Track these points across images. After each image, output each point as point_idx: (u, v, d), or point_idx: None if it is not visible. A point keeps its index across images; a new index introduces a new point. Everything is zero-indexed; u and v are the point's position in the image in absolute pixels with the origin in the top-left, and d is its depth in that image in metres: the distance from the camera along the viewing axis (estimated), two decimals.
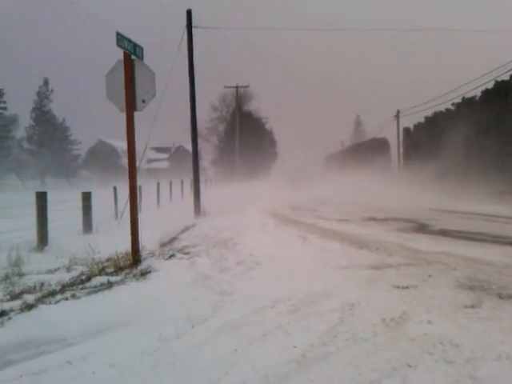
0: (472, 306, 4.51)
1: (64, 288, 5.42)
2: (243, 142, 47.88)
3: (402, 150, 37.35)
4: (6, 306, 4.61)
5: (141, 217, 7.64)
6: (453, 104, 26.61)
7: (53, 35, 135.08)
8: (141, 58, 7.32)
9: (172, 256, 7.63)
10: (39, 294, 5.12)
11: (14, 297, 5.04)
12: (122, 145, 64.58)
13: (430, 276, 5.81)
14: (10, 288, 5.48)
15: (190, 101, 17.01)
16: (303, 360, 3.33)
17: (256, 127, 55.57)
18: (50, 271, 6.57)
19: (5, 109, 58.75)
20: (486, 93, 22.98)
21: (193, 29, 16.91)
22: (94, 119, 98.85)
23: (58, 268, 6.74)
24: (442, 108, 28.18)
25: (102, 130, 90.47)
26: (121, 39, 6.86)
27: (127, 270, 6.44)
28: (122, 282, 5.75)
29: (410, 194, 23.00)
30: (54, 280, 5.84)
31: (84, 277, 6.02)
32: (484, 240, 8.88)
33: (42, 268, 6.74)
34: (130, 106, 7.08)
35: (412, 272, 6.10)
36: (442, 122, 27.24)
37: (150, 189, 20.30)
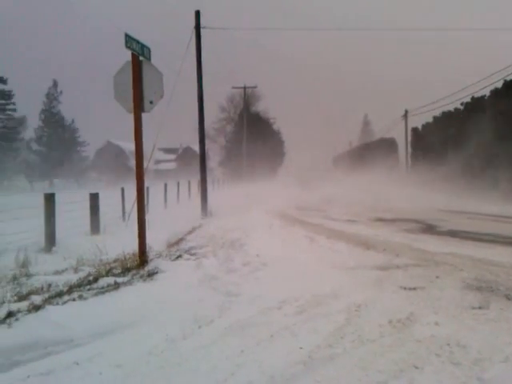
0: (479, 308, 4.49)
1: (71, 289, 5.43)
2: (251, 142, 47.82)
3: (410, 150, 37.17)
4: (14, 306, 4.62)
5: (148, 218, 7.66)
6: (462, 104, 26.47)
7: (62, 37, 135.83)
8: (148, 58, 7.33)
9: (179, 257, 7.63)
10: (46, 295, 5.13)
11: (22, 298, 5.05)
12: (129, 146, 64.75)
13: (437, 277, 5.79)
14: (18, 289, 5.50)
15: (198, 101, 17.04)
16: (310, 361, 3.33)
17: (264, 128, 55.44)
18: (57, 272, 6.59)
19: (14, 110, 59.14)
20: (495, 92, 22.84)
21: (201, 30, 16.95)
22: (101, 121, 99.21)
23: (66, 269, 6.76)
24: (451, 108, 28.05)
25: (109, 132, 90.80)
26: (129, 40, 6.88)
27: (134, 271, 6.45)
28: (129, 282, 5.76)
29: (418, 195, 22.90)
30: (62, 281, 5.86)
31: (91, 278, 6.03)
32: (492, 241, 8.83)
33: (49, 269, 6.76)
34: (138, 107, 7.09)
35: (419, 273, 6.08)
36: (450, 121, 27.09)
37: (158, 190, 20.34)
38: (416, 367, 3.17)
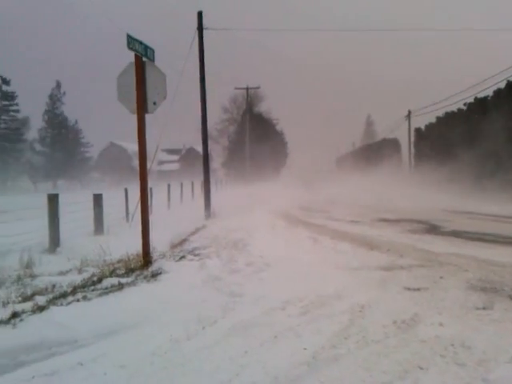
0: (484, 308, 4.48)
1: (75, 290, 5.44)
2: (254, 143, 47.83)
3: (413, 150, 37.11)
4: (18, 307, 4.64)
5: (151, 218, 7.67)
6: (465, 104, 26.42)
7: (63, 38, 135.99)
8: (152, 59, 7.34)
9: (182, 257, 7.64)
10: (51, 296, 5.15)
11: (26, 298, 5.07)
12: (132, 147, 64.88)
13: (441, 278, 5.77)
14: (22, 290, 5.51)
15: (201, 102, 17.05)
16: (314, 362, 3.32)
17: (266, 128, 55.46)
18: (61, 273, 6.60)
19: (17, 111, 59.35)
20: (498, 93, 22.79)
21: (204, 30, 16.96)
22: (104, 121, 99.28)
23: (70, 270, 6.77)
24: (454, 108, 28.01)
25: (113, 132, 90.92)
26: (131, 41, 6.88)
27: (138, 272, 6.46)
28: (132, 283, 5.77)
29: (421, 195, 22.88)
30: (66, 282, 5.87)
31: (95, 278, 6.04)
32: (496, 241, 8.81)
33: (53, 270, 6.77)
34: (141, 107, 7.10)
35: (423, 273, 6.07)
36: (454, 122, 27.04)
37: (161, 190, 20.36)
38: (420, 368, 3.16)
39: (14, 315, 4.35)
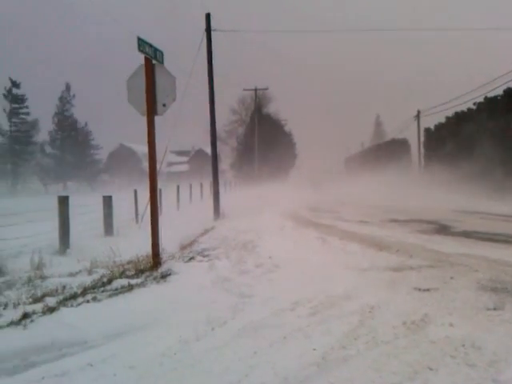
0: (494, 309, 4.45)
1: (85, 291, 5.47)
2: (262, 144, 47.86)
3: (422, 150, 36.94)
4: (29, 308, 4.67)
5: (161, 220, 7.68)
6: (474, 103, 26.27)
7: (73, 40, 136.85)
8: (161, 62, 7.37)
9: (192, 259, 7.65)
10: (61, 297, 5.17)
11: (37, 300, 5.10)
12: (142, 148, 65.08)
13: (451, 278, 5.74)
14: (33, 291, 5.55)
15: (209, 104, 17.08)
16: (323, 363, 3.31)
17: (275, 129, 55.47)
18: (71, 274, 6.63)
19: (27, 114, 59.74)
20: (509, 92, 22.62)
21: (212, 32, 16.99)
22: (114, 123, 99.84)
23: (80, 271, 6.81)
24: (464, 108, 27.86)
25: (122, 134, 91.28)
26: (142, 44, 6.92)
27: (147, 273, 6.48)
28: (142, 284, 5.79)
29: (431, 195, 22.78)
30: (76, 283, 5.90)
31: (105, 279, 6.06)
32: (507, 241, 8.75)
33: (63, 271, 6.81)
34: (151, 110, 7.13)
35: (433, 274, 6.03)
36: (463, 121, 26.90)
37: (170, 192, 20.42)
38: (430, 369, 3.15)
39: (25, 316, 4.38)
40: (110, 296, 5.21)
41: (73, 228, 9.12)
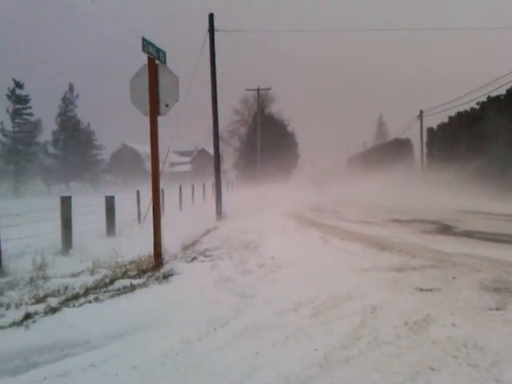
0: (497, 309, 4.44)
1: (87, 291, 5.48)
2: (265, 144, 47.78)
3: (425, 150, 36.89)
4: (31, 309, 4.68)
5: (163, 220, 7.69)
6: (477, 103, 26.22)
7: (76, 40, 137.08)
8: (164, 62, 7.38)
9: (194, 259, 7.66)
10: (63, 298, 5.19)
11: (39, 300, 5.11)
12: (145, 149, 65.24)
13: (454, 278, 5.73)
14: (35, 291, 5.56)
15: (212, 105, 17.07)
16: (325, 363, 3.31)
17: (277, 129, 55.42)
18: (73, 274, 6.64)
19: (30, 115, 59.80)
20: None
21: (215, 32, 16.99)
22: (117, 123, 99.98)
23: (82, 271, 6.82)
24: (467, 107, 27.83)
25: (125, 135, 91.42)
26: (146, 44, 6.94)
27: (150, 273, 6.48)
28: (144, 284, 5.80)
29: (433, 195, 22.74)
30: (78, 283, 5.91)
31: (107, 280, 6.07)
32: (510, 241, 8.74)
33: (66, 271, 6.82)
34: (154, 110, 7.14)
35: (436, 274, 6.03)
36: (466, 121, 26.86)
37: (173, 192, 20.43)
38: (432, 369, 3.14)
39: (27, 317, 4.39)
40: (112, 296, 5.22)
41: (75, 228, 9.13)
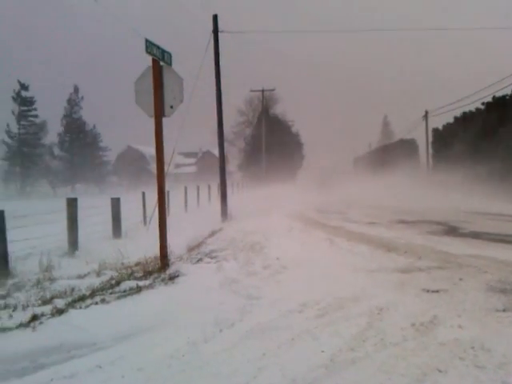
0: (504, 310, 4.42)
1: (94, 293, 5.49)
2: (270, 145, 47.80)
3: (431, 151, 36.75)
4: (38, 310, 4.69)
5: (169, 221, 7.70)
6: (483, 103, 26.12)
7: (80, 41, 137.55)
8: (169, 64, 7.38)
9: (199, 260, 7.66)
10: (69, 299, 5.20)
11: (46, 302, 5.13)
12: (150, 150, 65.35)
13: (460, 279, 5.71)
14: (42, 293, 5.59)
15: (217, 106, 17.08)
16: (331, 365, 3.31)
17: (282, 130, 55.38)
18: (80, 276, 6.66)
19: (36, 116, 59.96)
20: None
21: (219, 33, 17.00)
22: (122, 125, 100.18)
23: (88, 273, 6.84)
24: (472, 107, 27.72)
25: (130, 136, 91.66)
26: (150, 46, 6.94)
27: (156, 275, 6.50)
28: (150, 286, 5.81)
29: (439, 196, 22.67)
30: (84, 285, 5.93)
31: (113, 281, 6.09)
32: None
33: (72, 273, 6.84)
34: (159, 111, 7.15)
35: (442, 275, 6.00)
36: (472, 121, 26.76)
37: (178, 193, 20.45)
38: (439, 371, 3.13)
39: (34, 318, 4.41)
40: (119, 298, 5.23)
41: (81, 230, 9.15)
